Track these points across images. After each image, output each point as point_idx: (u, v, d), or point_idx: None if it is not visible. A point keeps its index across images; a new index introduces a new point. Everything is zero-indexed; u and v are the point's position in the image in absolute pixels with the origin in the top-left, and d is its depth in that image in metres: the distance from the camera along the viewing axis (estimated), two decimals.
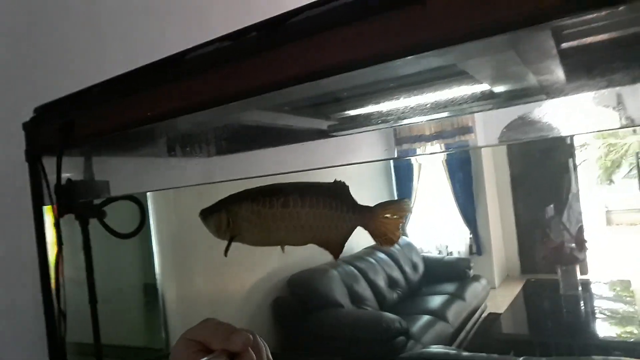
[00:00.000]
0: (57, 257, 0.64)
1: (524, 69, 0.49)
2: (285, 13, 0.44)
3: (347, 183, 0.67)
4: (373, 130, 0.82)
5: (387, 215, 0.65)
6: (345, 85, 0.63)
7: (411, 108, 0.71)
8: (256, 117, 0.70)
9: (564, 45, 0.44)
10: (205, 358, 0.40)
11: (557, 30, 0.39)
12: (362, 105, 0.75)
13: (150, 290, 1.20)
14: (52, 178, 0.68)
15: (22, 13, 1.05)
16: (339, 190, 0.64)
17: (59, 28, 1.07)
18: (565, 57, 0.45)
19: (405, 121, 0.75)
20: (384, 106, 0.71)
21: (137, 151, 0.72)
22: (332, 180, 0.65)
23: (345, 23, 0.41)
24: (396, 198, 4.32)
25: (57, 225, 0.64)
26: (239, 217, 0.63)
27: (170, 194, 1.17)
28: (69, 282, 0.66)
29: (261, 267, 2.29)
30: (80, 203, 0.68)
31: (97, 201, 0.71)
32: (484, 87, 0.62)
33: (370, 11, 0.40)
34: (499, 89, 0.62)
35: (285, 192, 0.63)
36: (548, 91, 0.60)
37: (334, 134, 0.80)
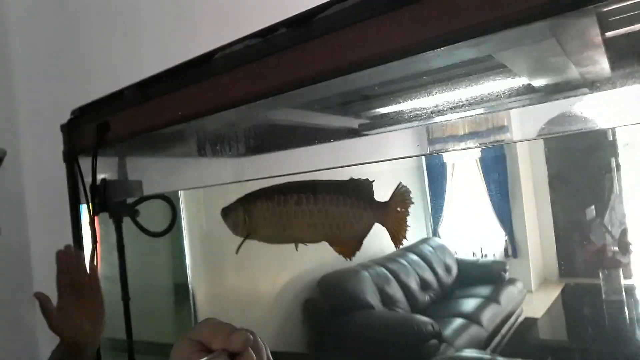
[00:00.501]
0: (92, 253, 0.65)
1: (565, 60, 0.47)
2: (314, 8, 0.43)
3: (375, 183, 0.65)
4: (404, 128, 0.80)
5: (398, 209, 0.64)
6: (376, 82, 0.61)
7: (444, 104, 0.69)
8: (287, 116, 0.69)
9: (610, 33, 0.41)
10: (205, 358, 0.40)
11: (602, 17, 0.36)
12: (393, 103, 0.74)
13: (181, 288, 1.22)
14: (88, 179, 0.70)
15: (61, 20, 1.09)
16: (355, 188, 0.64)
17: (94, 34, 1.10)
18: (611, 46, 0.42)
19: (439, 118, 0.73)
20: (416, 103, 0.69)
21: (169, 151, 0.73)
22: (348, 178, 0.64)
23: (373, 16, 0.40)
24: (429, 198, 4.27)
25: (91, 224, 0.66)
26: (254, 214, 0.65)
27: (201, 194, 1.18)
28: (102, 279, 0.68)
29: (291, 268, 2.29)
30: (114, 202, 0.70)
31: (130, 200, 0.73)
32: (522, 81, 0.60)
33: (397, 3, 0.39)
34: (538, 82, 0.60)
35: (299, 191, 0.64)
36: (591, 84, 0.57)
37: (366, 132, 0.79)
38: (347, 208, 0.63)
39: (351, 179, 0.63)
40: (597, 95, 0.60)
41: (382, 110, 0.74)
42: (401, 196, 0.65)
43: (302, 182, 0.64)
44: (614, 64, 0.48)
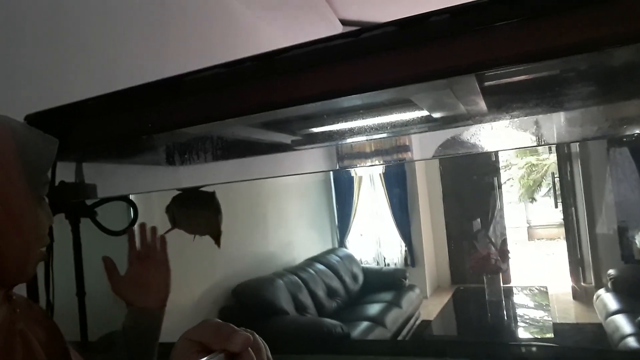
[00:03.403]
0: (47, 251, 0.69)
1: (456, 101, 0.63)
2: (276, 50, 0.55)
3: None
4: (330, 145, 0.95)
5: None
6: (314, 109, 0.74)
7: (362, 128, 0.84)
8: (233, 131, 0.80)
9: (485, 84, 0.58)
10: (205, 358, 0.40)
11: (480, 76, 0.53)
12: (321, 125, 0.87)
13: None
14: None
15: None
16: (205, 198, 0.84)
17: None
18: (486, 93, 0.59)
19: (358, 138, 0.88)
20: (343, 125, 0.83)
21: (125, 159, 0.79)
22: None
23: (320, 64, 0.53)
24: (335, 211, 4.52)
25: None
26: (176, 213, 0.85)
27: (153, 201, 1.20)
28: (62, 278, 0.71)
29: (207, 277, 2.33)
30: (72, 203, 0.74)
31: (89, 202, 0.77)
32: (424, 113, 0.76)
33: (336, 57, 0.52)
34: (436, 115, 0.77)
35: (188, 196, 0.84)
36: (474, 117, 0.75)
37: (297, 147, 0.91)
38: (203, 211, 0.84)
39: (201, 191, 0.85)
40: (478, 126, 0.78)
41: (314, 129, 0.87)
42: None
43: (186, 192, 0.84)
44: (488, 105, 0.66)
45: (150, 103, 0.64)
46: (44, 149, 0.53)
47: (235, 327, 0.44)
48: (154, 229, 0.78)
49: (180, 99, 0.62)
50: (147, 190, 0.82)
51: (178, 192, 0.86)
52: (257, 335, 0.44)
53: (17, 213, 0.49)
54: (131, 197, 0.83)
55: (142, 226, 0.77)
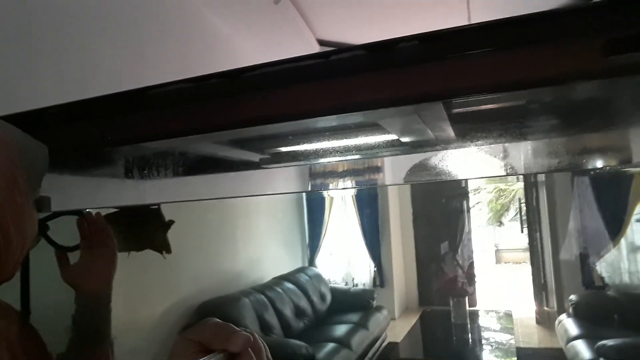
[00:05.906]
0: None
1: (424, 127, 0.64)
2: (243, 67, 0.54)
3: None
4: (298, 165, 0.94)
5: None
6: (283, 129, 0.73)
7: (331, 150, 0.83)
8: (199, 147, 0.78)
9: (453, 111, 0.58)
10: (205, 358, 0.40)
11: (447, 103, 0.53)
12: (292, 144, 0.86)
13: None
14: None
15: None
16: (150, 214, 0.86)
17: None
18: (453, 120, 0.60)
19: (329, 159, 0.87)
20: (312, 146, 0.82)
21: (83, 171, 0.76)
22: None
23: (288, 84, 0.53)
24: (306, 229, 4.50)
25: None
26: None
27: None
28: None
29: (171, 294, 2.26)
30: None
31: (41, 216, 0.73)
32: (394, 137, 0.76)
33: (305, 78, 0.52)
34: (405, 139, 0.77)
35: (126, 214, 0.84)
36: (442, 144, 0.75)
37: (265, 166, 0.90)
38: (146, 227, 0.86)
39: (147, 207, 0.86)
40: (447, 152, 0.79)
41: (282, 149, 0.86)
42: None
43: (129, 209, 0.85)
44: (456, 132, 0.66)
45: (113, 115, 0.62)
46: (38, 154, 0.56)
47: (236, 328, 0.43)
48: (99, 215, 0.78)
49: (143, 113, 0.60)
50: (105, 205, 0.79)
51: (114, 210, 0.87)
52: (257, 336, 0.44)
53: (19, 215, 0.50)
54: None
55: (89, 215, 0.77)
